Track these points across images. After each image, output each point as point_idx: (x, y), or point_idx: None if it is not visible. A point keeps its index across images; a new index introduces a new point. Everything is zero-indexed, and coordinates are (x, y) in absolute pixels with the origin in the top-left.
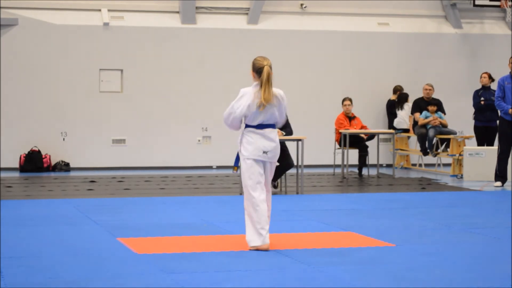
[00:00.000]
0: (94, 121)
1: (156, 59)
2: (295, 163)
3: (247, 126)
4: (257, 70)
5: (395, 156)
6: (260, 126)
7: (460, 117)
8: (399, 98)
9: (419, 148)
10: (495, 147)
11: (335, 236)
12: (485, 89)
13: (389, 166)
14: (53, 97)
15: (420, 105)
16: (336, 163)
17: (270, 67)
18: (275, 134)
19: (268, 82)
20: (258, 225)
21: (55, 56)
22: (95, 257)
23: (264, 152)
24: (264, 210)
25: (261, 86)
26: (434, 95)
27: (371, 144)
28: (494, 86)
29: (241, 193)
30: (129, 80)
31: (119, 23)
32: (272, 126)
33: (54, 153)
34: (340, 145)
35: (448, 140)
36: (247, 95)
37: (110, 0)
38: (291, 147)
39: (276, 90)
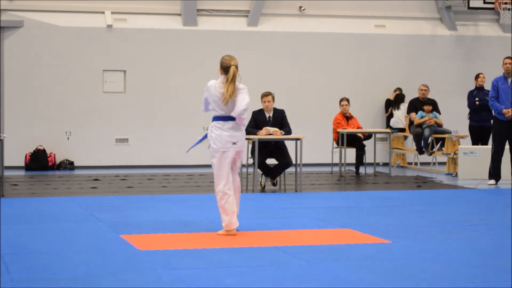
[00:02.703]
0: (98, 120)
1: (158, 60)
2: (293, 162)
3: (215, 118)
4: (225, 68)
5: (392, 155)
6: (226, 118)
7: (455, 117)
8: (396, 98)
9: (414, 147)
10: (489, 146)
11: (333, 233)
12: (480, 89)
13: (385, 164)
14: (57, 97)
15: (416, 105)
16: (334, 161)
17: (236, 66)
18: (239, 125)
19: (233, 80)
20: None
21: (59, 58)
22: (99, 253)
23: (233, 143)
24: (231, 199)
25: (226, 82)
26: (430, 96)
27: (368, 143)
28: (487, 86)
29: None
30: (132, 80)
31: (122, 25)
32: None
33: (58, 152)
34: (337, 144)
35: (443, 139)
36: (212, 87)
37: (113, 3)
38: (290, 146)
39: (239, 85)
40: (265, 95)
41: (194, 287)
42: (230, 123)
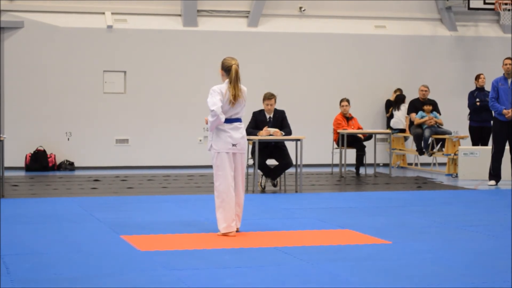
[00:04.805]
0: (98, 121)
1: (158, 61)
2: (294, 163)
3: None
4: (226, 68)
5: (392, 155)
6: (229, 120)
7: (455, 117)
8: (396, 99)
9: (415, 148)
10: (489, 146)
11: (333, 234)
12: (480, 90)
13: (386, 165)
14: (58, 98)
15: (416, 105)
16: (334, 162)
17: (238, 66)
18: (242, 127)
19: (237, 79)
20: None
21: (59, 58)
22: (99, 254)
23: (233, 145)
24: (231, 201)
25: (230, 83)
26: (430, 96)
27: (368, 144)
28: (487, 87)
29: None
30: (132, 81)
31: (123, 26)
32: (239, 120)
33: (59, 153)
34: (338, 144)
35: (444, 140)
36: (218, 92)
37: (113, 4)
38: (290, 147)
39: (242, 86)
40: (268, 97)
41: (195, 287)
42: (232, 125)
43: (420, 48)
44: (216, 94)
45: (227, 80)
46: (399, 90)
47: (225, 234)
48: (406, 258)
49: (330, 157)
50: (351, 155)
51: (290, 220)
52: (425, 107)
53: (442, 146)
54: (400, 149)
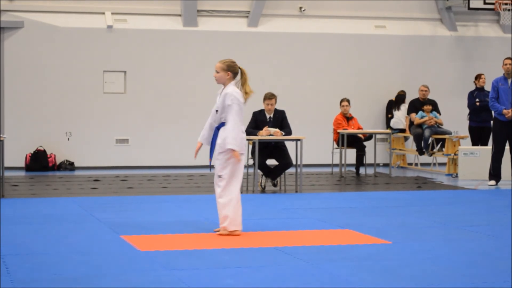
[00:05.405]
0: (98, 121)
1: (158, 61)
2: (294, 163)
3: None
4: (235, 71)
5: (392, 155)
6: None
7: (455, 117)
8: (397, 99)
9: (415, 148)
10: (489, 147)
11: (333, 234)
12: (480, 90)
13: (386, 165)
14: (58, 98)
15: (416, 105)
16: (334, 162)
17: None
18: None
19: (246, 80)
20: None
21: (59, 58)
22: (99, 254)
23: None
24: (240, 200)
25: (243, 83)
26: (430, 96)
27: (368, 144)
28: (487, 87)
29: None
30: (132, 81)
31: (123, 26)
32: None
33: (59, 153)
34: (338, 144)
35: (443, 140)
36: (240, 96)
37: (113, 4)
38: (290, 147)
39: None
40: (268, 98)
41: (195, 287)
42: (243, 126)
43: (420, 48)
44: (242, 107)
45: (233, 82)
46: (402, 91)
47: (231, 232)
48: (406, 258)
49: (330, 157)
50: (351, 155)
51: (290, 220)
52: (425, 107)
53: (442, 146)
54: (400, 149)
